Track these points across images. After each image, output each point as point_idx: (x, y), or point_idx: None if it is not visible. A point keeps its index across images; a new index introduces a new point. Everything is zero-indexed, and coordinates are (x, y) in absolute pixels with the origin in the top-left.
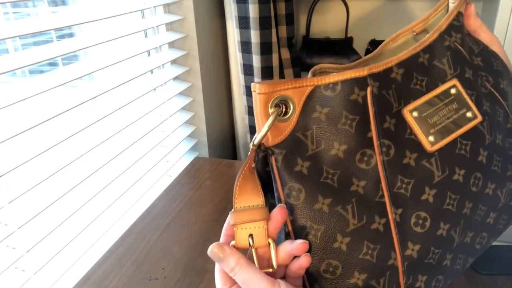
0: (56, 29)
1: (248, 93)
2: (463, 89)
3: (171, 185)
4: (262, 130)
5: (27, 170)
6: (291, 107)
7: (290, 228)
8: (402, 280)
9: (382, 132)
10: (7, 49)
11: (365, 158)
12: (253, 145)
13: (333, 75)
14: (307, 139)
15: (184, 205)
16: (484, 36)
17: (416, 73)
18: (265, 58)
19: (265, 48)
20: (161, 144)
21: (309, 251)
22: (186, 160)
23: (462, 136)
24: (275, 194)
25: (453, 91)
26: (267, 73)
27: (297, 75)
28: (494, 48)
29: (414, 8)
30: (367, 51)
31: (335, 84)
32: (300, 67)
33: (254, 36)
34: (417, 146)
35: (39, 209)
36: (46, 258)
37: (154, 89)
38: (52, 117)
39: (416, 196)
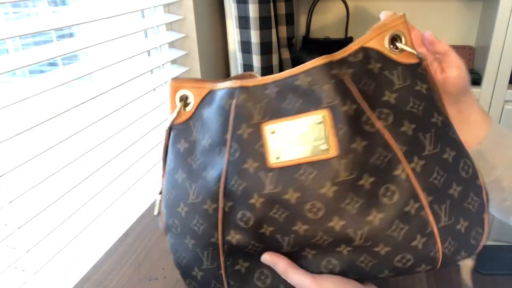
0: (56, 29)
1: None
2: (331, 121)
3: None
4: (170, 117)
5: (27, 170)
6: (192, 101)
7: (163, 183)
8: (222, 258)
9: (235, 137)
10: (7, 49)
11: (221, 154)
12: (167, 128)
13: (222, 83)
14: (194, 128)
15: None
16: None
17: (291, 94)
18: (265, 58)
19: (265, 48)
20: (161, 144)
21: (165, 206)
22: None
23: (309, 163)
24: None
25: (319, 120)
26: (267, 73)
27: None
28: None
29: (413, 8)
30: None
31: (218, 90)
32: None
33: (254, 36)
34: (261, 158)
35: (39, 209)
36: (46, 258)
37: (154, 89)
38: (52, 117)
39: (245, 197)
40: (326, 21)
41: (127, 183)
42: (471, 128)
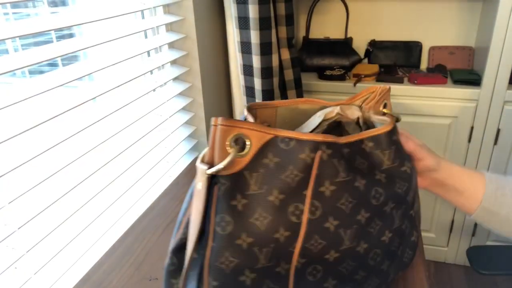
0: (56, 29)
1: (248, 93)
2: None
3: (171, 185)
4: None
5: (27, 170)
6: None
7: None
8: None
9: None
10: (7, 49)
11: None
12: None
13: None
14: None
15: None
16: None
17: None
18: (265, 58)
19: (265, 49)
20: (161, 145)
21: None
22: (186, 161)
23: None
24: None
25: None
26: (267, 74)
27: (297, 75)
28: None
29: (414, 9)
30: (367, 52)
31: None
32: (300, 68)
33: (254, 37)
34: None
35: (39, 209)
36: (46, 258)
37: (154, 90)
38: (52, 117)
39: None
40: (326, 21)
41: (127, 183)
42: (466, 195)
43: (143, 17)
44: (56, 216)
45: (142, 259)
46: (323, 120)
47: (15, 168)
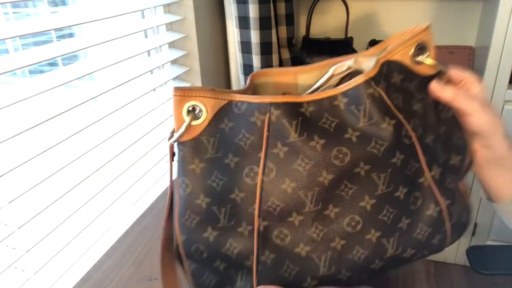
0: (56, 29)
1: None
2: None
3: None
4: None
5: (27, 170)
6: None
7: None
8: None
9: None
10: (7, 49)
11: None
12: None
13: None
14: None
15: None
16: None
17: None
18: (265, 58)
19: (265, 48)
20: (161, 144)
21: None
22: None
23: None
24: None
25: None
26: None
27: None
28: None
29: (413, 8)
30: None
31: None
32: None
33: (254, 36)
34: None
35: (39, 209)
36: (46, 258)
37: (154, 89)
38: (52, 117)
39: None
40: (326, 21)
41: (127, 183)
42: (509, 175)
43: (143, 17)
44: (56, 215)
45: (142, 259)
46: (333, 76)
47: (15, 168)
